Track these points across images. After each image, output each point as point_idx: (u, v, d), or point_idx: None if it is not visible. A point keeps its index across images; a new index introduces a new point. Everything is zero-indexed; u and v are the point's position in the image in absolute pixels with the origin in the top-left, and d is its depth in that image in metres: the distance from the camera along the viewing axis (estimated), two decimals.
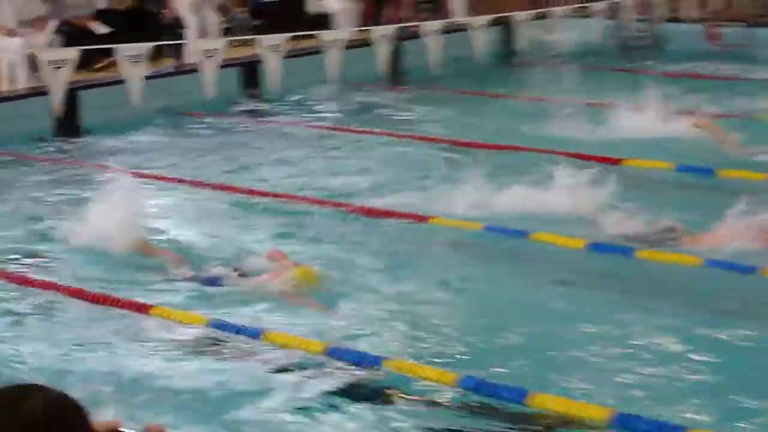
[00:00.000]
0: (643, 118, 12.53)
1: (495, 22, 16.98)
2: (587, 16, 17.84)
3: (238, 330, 7.07)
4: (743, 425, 5.63)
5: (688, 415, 5.72)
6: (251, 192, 10.59)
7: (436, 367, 6.37)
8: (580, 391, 6.08)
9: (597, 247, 8.44)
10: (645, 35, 19.19)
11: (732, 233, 8.48)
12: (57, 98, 12.54)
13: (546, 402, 5.95)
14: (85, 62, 13.70)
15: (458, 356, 6.75)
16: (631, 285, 7.90)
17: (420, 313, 7.43)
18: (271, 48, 14.01)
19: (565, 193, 9.67)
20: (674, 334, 6.81)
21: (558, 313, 7.33)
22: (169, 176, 11.20)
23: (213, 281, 8.13)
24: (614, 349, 6.66)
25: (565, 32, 17.01)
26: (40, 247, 8.98)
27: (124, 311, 7.46)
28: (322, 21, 17.32)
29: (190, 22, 16.15)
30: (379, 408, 6.03)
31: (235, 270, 8.20)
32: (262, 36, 14.59)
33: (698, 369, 6.36)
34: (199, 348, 6.96)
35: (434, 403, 6.09)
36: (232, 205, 10.28)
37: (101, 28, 15.40)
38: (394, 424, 5.85)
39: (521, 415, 5.96)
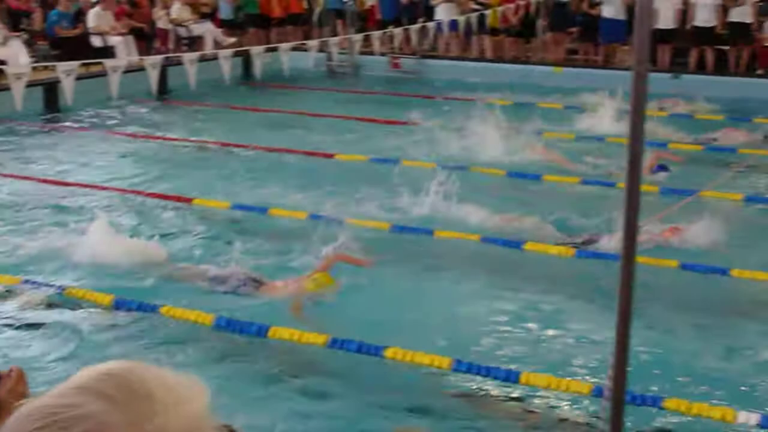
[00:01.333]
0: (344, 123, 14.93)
1: (237, 54, 18.05)
2: (305, 50, 18.65)
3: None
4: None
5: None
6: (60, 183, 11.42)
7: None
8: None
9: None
10: (347, 64, 20.74)
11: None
12: None
13: (534, 380, 5.98)
14: None
15: None
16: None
17: None
18: (66, 72, 14.59)
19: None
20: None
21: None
22: None
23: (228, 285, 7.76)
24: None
25: (289, 62, 17.88)
26: None
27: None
28: (106, 51, 18.52)
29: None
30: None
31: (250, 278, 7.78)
32: (59, 63, 15.26)
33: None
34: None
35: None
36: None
37: None
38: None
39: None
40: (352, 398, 6.10)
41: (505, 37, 21.51)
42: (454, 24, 21.24)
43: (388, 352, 6.34)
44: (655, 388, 5.94)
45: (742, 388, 6.20)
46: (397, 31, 20.40)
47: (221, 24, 22.05)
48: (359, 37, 20.42)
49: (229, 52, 17.73)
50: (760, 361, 6.60)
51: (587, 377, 6.14)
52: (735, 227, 9.08)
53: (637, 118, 2.90)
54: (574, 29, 21.08)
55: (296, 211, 10.02)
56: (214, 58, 17.56)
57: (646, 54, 2.89)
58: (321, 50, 19.71)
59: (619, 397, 2.99)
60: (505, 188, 11.26)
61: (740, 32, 19.33)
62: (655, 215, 8.83)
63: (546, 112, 15.95)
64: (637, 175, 2.87)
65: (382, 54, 20.76)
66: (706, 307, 7.68)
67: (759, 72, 19.48)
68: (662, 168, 11.42)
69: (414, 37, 20.58)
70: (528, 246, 8.76)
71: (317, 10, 23.65)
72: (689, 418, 5.66)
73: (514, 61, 21.08)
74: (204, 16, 22.08)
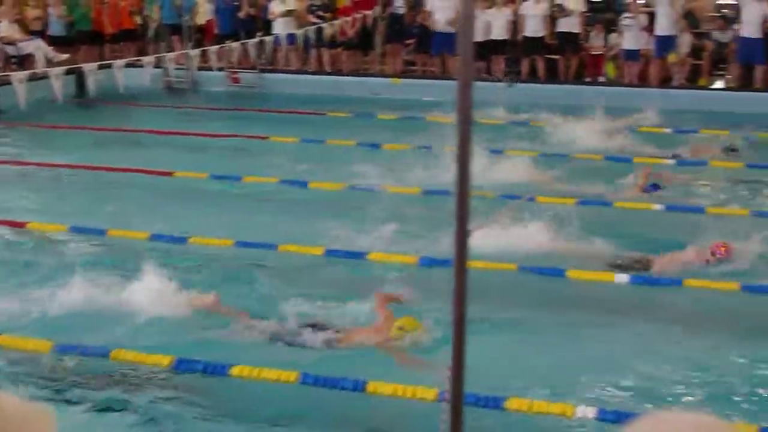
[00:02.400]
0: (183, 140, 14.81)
1: (69, 71, 17.54)
2: (141, 66, 18.28)
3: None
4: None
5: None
6: None
7: None
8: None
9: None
10: (185, 80, 20.45)
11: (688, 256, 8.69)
12: None
13: (381, 388, 6.01)
14: None
15: None
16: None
17: None
18: None
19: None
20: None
21: None
22: None
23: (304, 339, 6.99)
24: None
25: (125, 79, 17.64)
26: None
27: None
28: None
29: None
30: None
31: (318, 326, 7.07)
32: None
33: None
34: None
35: None
36: None
37: None
38: None
39: None
40: None
41: (343, 50, 21.68)
42: (292, 37, 21.31)
43: (234, 371, 6.29)
44: (496, 389, 6.07)
45: (579, 382, 6.41)
46: (235, 46, 20.31)
47: (52, 41, 21.38)
48: (196, 52, 20.22)
49: (61, 69, 17.27)
50: (592, 356, 6.83)
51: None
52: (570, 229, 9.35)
53: (465, 126, 2.97)
54: (410, 41, 21.43)
55: (135, 231, 9.81)
56: (45, 76, 17.04)
57: (470, 63, 2.97)
58: (157, 66, 19.40)
59: (458, 398, 3.05)
60: (346, 203, 11.29)
61: (569, 42, 20.09)
62: (486, 219, 9.02)
63: (385, 123, 16.18)
64: (467, 183, 2.95)
65: (221, 69, 20.60)
66: (541, 307, 7.89)
67: (587, 79, 20.27)
68: (654, 187, 11.57)
69: (252, 52, 20.50)
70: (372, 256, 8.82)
71: (153, 25, 23.26)
72: (531, 416, 5.82)
73: (353, 73, 21.29)
74: (34, 33, 21.37)
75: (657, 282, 8.36)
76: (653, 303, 8.04)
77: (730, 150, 13.59)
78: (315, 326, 7.08)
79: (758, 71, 18.75)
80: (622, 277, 8.41)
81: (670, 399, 6.23)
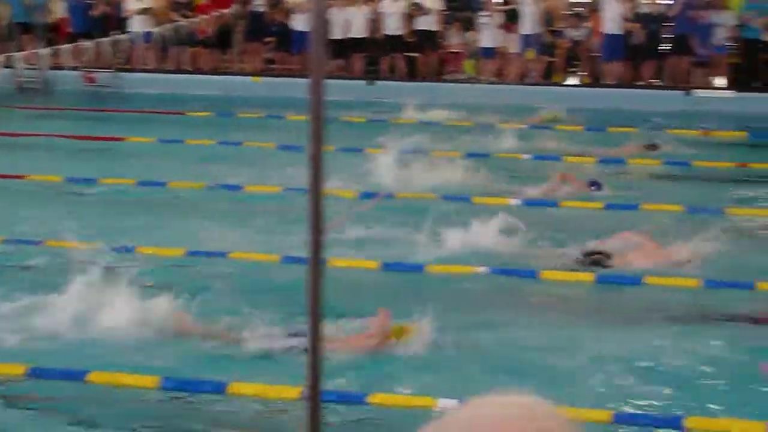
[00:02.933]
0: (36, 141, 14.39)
1: None
2: None
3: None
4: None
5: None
6: None
7: None
8: None
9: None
10: (36, 80, 19.65)
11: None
12: None
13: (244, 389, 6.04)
14: None
15: None
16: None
17: None
18: None
19: None
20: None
21: None
22: None
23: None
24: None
25: None
26: None
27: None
28: None
29: None
30: None
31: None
32: None
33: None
34: None
35: None
36: None
37: None
38: None
39: None
40: None
41: (202, 48, 21.41)
42: (149, 36, 20.92)
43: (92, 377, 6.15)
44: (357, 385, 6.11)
45: (443, 376, 6.51)
46: (89, 44, 19.79)
47: None
48: (48, 51, 19.63)
49: None
50: (463, 350, 6.93)
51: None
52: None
53: (317, 124, 2.98)
54: (270, 39, 21.33)
55: None
56: None
57: (322, 61, 2.98)
58: (7, 66, 18.85)
59: (315, 396, 3.06)
60: (207, 203, 11.14)
61: (427, 40, 20.36)
62: (339, 218, 9.05)
63: (247, 121, 16.08)
64: (320, 180, 2.96)
65: (75, 68, 20.00)
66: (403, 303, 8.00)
67: (446, 77, 20.58)
68: (595, 184, 11.66)
69: (108, 50, 20.02)
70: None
71: (2, 23, 22.46)
72: (396, 411, 5.88)
73: (213, 72, 21.06)
74: None
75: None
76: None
77: (651, 147, 13.97)
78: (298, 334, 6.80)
79: (615, 67, 19.42)
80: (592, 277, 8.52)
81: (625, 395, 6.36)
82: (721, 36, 19.07)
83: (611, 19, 19.10)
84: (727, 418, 6.07)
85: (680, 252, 8.84)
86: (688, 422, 5.91)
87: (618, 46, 19.24)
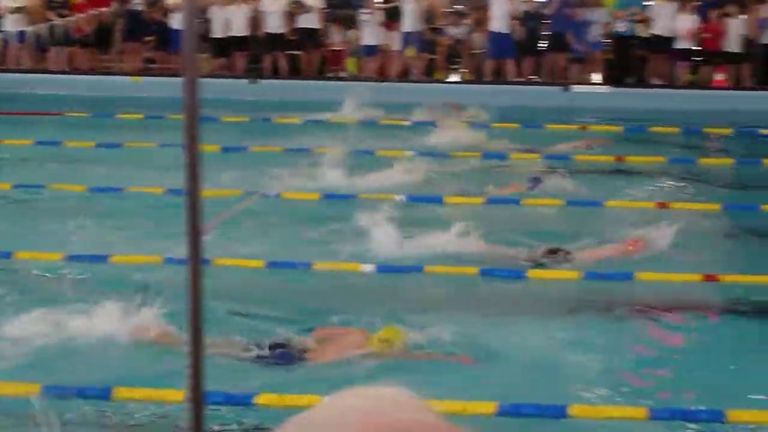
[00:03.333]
0: None
1: None
2: None
3: None
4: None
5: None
6: None
7: None
8: None
9: None
10: None
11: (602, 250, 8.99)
12: None
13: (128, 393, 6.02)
14: None
15: None
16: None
17: None
18: None
19: None
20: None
21: None
22: None
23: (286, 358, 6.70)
24: None
25: None
26: None
27: None
28: None
29: None
30: None
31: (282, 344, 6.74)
32: None
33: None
34: None
35: None
36: None
37: None
38: None
39: None
40: None
41: (80, 47, 20.91)
42: (23, 35, 20.33)
43: None
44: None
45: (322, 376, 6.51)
46: None
47: None
48: None
49: None
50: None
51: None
52: None
53: (192, 123, 2.95)
54: (149, 38, 20.97)
55: None
56: None
57: (195, 60, 2.95)
58: None
59: (197, 397, 3.03)
60: (87, 206, 10.92)
61: (309, 38, 20.32)
62: (219, 216, 8.98)
63: (127, 122, 15.80)
64: (197, 182, 2.92)
65: None
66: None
67: (329, 75, 20.59)
68: (536, 180, 11.77)
69: None
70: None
71: None
72: (281, 411, 5.86)
73: (91, 72, 20.60)
74: None
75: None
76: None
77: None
78: (280, 345, 6.78)
79: (509, 64, 19.73)
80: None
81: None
82: (596, 33, 19.57)
83: (498, 18, 19.38)
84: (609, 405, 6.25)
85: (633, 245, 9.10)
86: (571, 410, 6.06)
87: (505, 45, 19.55)
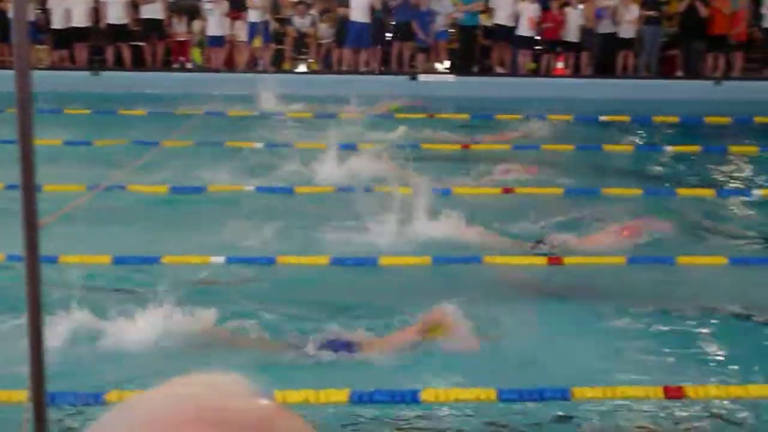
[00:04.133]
0: None
1: None
2: None
3: None
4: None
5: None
6: None
7: None
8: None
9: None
10: None
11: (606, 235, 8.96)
12: None
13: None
14: None
15: None
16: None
17: None
18: None
19: None
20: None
21: None
22: None
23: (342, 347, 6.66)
24: None
25: None
26: None
27: None
28: None
29: None
30: None
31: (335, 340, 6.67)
32: None
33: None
34: None
35: None
36: None
37: None
38: None
39: None
40: None
41: None
42: None
43: None
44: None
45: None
46: None
47: None
48: None
49: None
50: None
51: None
52: None
53: (26, 117, 2.89)
54: None
55: None
56: None
57: (26, 52, 2.89)
58: None
59: (40, 398, 2.98)
60: None
61: (153, 29, 19.96)
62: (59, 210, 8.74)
63: None
64: (31, 175, 2.87)
65: None
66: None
67: (175, 66, 20.29)
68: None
69: None
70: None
71: None
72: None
73: None
74: None
75: None
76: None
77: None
78: (333, 341, 6.75)
79: (363, 54, 19.85)
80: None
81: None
82: (441, 23, 19.92)
83: (357, 8, 19.46)
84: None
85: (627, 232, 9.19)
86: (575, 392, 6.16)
87: (364, 35, 19.66)
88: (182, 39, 20.51)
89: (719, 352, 7.05)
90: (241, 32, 20.02)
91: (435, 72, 20.03)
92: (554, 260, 8.93)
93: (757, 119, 16.27)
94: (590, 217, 9.79)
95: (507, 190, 11.19)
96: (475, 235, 9.37)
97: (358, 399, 5.84)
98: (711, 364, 6.84)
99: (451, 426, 5.93)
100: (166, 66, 20.20)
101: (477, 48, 20.52)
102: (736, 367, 6.75)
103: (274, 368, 6.41)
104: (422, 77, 19.22)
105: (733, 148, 13.98)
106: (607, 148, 13.56)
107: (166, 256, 8.54)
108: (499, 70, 20.18)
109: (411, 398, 6.04)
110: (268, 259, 8.66)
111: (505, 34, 19.93)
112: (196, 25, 20.45)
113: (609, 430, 6.04)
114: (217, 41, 20.05)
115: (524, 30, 19.75)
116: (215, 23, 19.90)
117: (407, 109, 16.36)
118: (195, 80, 18.69)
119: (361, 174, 11.82)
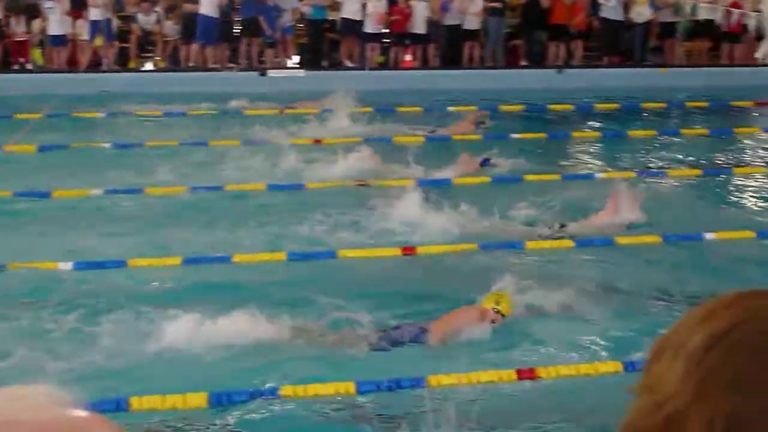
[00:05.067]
0: None
1: None
2: None
3: None
4: None
5: None
6: None
7: None
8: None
9: None
10: None
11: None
12: None
13: None
14: None
15: None
16: None
17: None
18: None
19: None
20: None
21: None
22: None
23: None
24: None
25: None
26: None
27: None
28: None
29: None
30: None
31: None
32: None
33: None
34: None
35: None
36: None
37: None
38: None
39: None
40: None
41: None
42: None
43: None
44: None
45: None
46: None
47: None
48: None
49: None
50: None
51: None
52: None
53: None
54: None
55: None
56: None
57: None
58: None
59: None
60: None
61: None
62: None
63: None
64: None
65: None
66: None
67: (15, 67, 19.57)
68: (487, 161, 11.95)
69: None
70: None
71: None
72: None
73: None
74: None
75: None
76: None
77: (481, 124, 14.54)
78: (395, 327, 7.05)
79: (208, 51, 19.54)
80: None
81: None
82: (288, 18, 19.84)
83: (206, 3, 19.11)
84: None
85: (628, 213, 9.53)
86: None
87: (211, 29, 19.35)
88: (21, 39, 19.76)
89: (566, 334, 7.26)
90: (84, 31, 19.44)
91: (285, 67, 19.93)
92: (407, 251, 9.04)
93: (598, 106, 16.83)
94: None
95: (361, 184, 11.26)
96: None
97: None
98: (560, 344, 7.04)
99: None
100: (5, 67, 19.44)
101: (326, 42, 20.53)
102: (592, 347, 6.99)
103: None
104: (272, 73, 19.09)
105: (576, 134, 14.40)
106: (457, 137, 13.75)
107: (12, 263, 8.27)
108: (348, 63, 20.24)
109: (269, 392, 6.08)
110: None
111: (352, 28, 19.99)
112: (36, 24, 19.74)
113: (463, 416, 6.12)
114: (59, 41, 19.41)
115: (371, 25, 19.86)
116: (56, 22, 19.26)
117: (258, 105, 16.21)
118: (37, 81, 18.08)
119: (215, 173, 11.71)
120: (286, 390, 6.10)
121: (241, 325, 6.89)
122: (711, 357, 0.97)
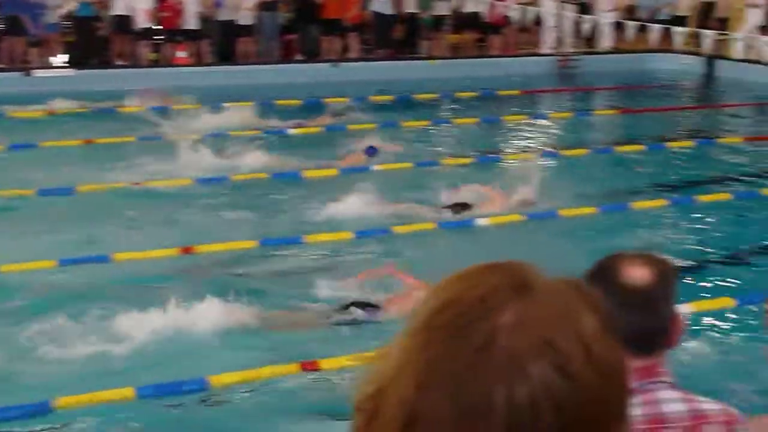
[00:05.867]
0: None
1: None
2: None
3: None
4: None
5: None
6: None
7: None
8: None
9: None
10: None
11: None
12: None
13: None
14: None
15: None
16: None
17: None
18: None
19: None
20: None
21: None
22: None
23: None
24: None
25: None
26: None
27: None
28: None
29: None
30: None
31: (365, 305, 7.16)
32: None
33: None
34: None
35: None
36: None
37: None
38: None
39: None
40: None
41: None
42: None
43: None
44: None
45: None
46: None
47: None
48: None
49: None
50: None
51: None
52: None
53: None
54: None
55: None
56: None
57: None
58: None
59: None
60: None
61: None
62: None
63: None
64: None
65: None
66: None
67: None
68: (372, 149, 12.28)
69: None
70: None
71: None
72: None
73: None
74: None
75: None
76: None
77: (338, 114, 15.16)
78: (356, 304, 7.23)
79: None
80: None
81: None
82: (51, 15, 19.04)
83: None
84: None
85: (522, 197, 10.20)
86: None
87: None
88: None
89: None
90: None
91: (51, 66, 19.10)
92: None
93: (372, 98, 17.06)
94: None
95: (135, 184, 11.05)
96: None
97: None
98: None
99: None
100: None
101: (95, 40, 19.80)
102: None
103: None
104: (38, 72, 18.25)
105: (352, 127, 14.55)
106: (234, 134, 13.62)
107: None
108: (119, 61, 19.63)
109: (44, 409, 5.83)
110: None
111: (123, 24, 19.42)
112: None
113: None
114: None
115: (141, 21, 19.36)
116: None
117: (22, 107, 15.44)
118: None
119: None
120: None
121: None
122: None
